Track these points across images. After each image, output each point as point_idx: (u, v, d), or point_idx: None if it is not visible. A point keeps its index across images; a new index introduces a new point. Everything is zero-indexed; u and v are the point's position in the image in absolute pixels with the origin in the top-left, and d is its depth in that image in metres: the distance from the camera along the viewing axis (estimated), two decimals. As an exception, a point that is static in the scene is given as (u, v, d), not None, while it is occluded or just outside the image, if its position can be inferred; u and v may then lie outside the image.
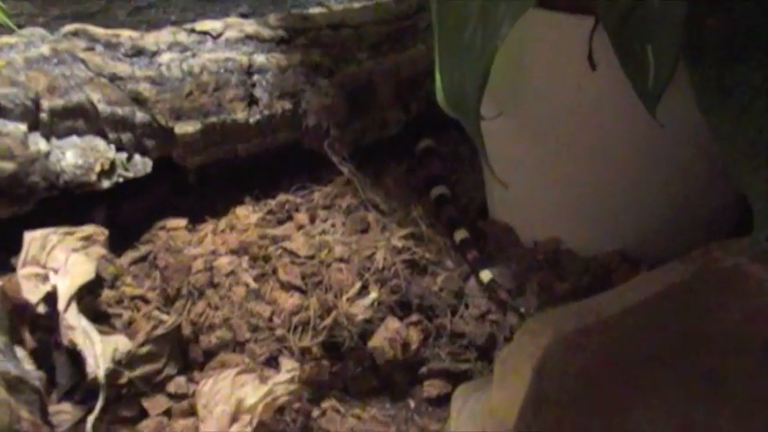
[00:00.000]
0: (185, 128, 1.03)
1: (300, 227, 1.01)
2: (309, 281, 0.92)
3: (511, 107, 0.88)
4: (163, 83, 1.04)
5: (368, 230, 0.99)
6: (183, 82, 1.04)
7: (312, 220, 1.02)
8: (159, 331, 0.91)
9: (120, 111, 1.03)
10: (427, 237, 0.98)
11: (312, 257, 0.95)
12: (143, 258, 1.02)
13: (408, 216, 1.00)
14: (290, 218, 1.04)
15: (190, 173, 1.09)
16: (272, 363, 0.90)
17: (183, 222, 1.06)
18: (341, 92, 1.08)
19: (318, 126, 1.08)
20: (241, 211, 1.06)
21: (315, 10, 1.20)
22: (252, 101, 1.06)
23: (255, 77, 1.06)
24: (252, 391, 0.85)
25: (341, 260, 0.94)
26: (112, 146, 1.03)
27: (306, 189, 1.07)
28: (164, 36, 1.08)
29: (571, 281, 0.92)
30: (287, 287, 0.93)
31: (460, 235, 1.00)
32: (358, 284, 0.91)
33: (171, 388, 0.91)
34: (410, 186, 1.09)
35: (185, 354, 0.93)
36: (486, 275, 0.95)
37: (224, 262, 0.97)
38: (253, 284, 0.94)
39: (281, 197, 1.06)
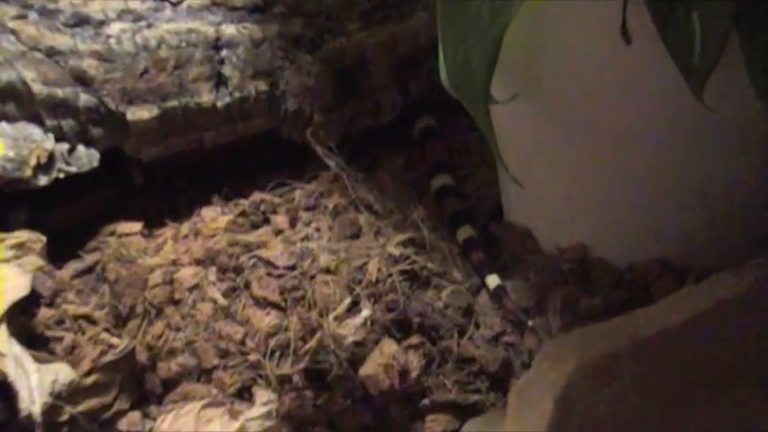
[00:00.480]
0: (140, 113, 1.06)
1: (278, 232, 1.04)
2: (289, 296, 0.95)
3: (528, 89, 0.90)
4: (112, 59, 1.07)
5: (359, 235, 1.02)
6: (137, 58, 1.07)
7: (292, 224, 1.05)
8: (108, 358, 0.94)
9: (59, 92, 1.05)
10: (430, 243, 1.00)
11: (292, 268, 0.97)
12: (89, 270, 1.05)
13: (407, 218, 1.03)
14: (266, 221, 1.07)
15: (135, 173, 1.12)
16: (245, 394, 0.93)
17: (137, 226, 1.08)
18: (326, 70, 1.11)
19: (299, 111, 1.11)
20: (207, 212, 1.09)
21: (295, -29, 1.23)
22: (220, 81, 1.09)
23: (224, 53, 1.09)
24: (220, 429, 0.87)
25: (327, 271, 0.96)
26: (51, 135, 1.06)
27: (285, 187, 1.10)
28: (113, 2, 1.10)
29: (602, 295, 0.95)
30: (262, 304, 0.96)
31: (464, 233, 1.03)
32: (347, 300, 0.94)
33: (123, 425, 0.93)
34: (409, 182, 1.12)
35: (140, 384, 0.96)
36: (492, 281, 0.98)
37: (187, 274, 1.00)
38: (221, 301, 0.97)
39: (256, 196, 1.09)
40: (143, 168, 1.11)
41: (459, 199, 1.08)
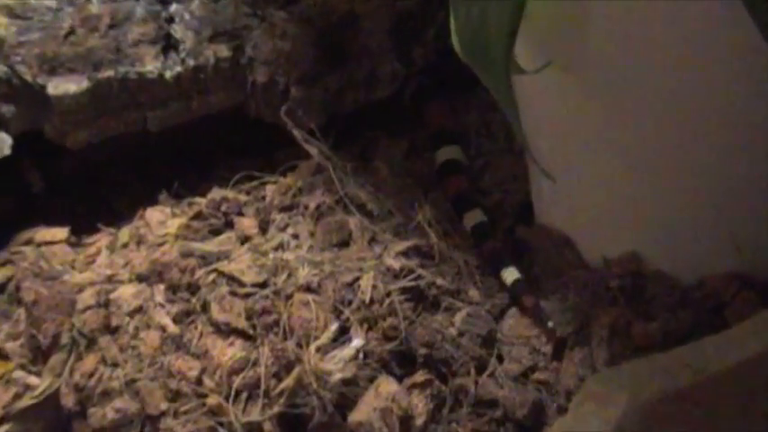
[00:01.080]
0: (64, 86, 1.08)
1: (245, 239, 1.06)
2: (259, 321, 0.96)
3: (565, 55, 0.91)
4: (27, 15, 1.09)
5: (348, 243, 1.04)
6: (60, 14, 1.09)
7: (263, 229, 1.07)
8: (25, 402, 0.95)
9: (-44, 59, 1.07)
10: (440, 252, 1.02)
11: (263, 285, 0.99)
12: (0, 289, 1.06)
13: (411, 221, 1.05)
14: (228, 225, 1.08)
15: (33, 177, 1.14)
16: (202, 448, 0.94)
17: (61, 233, 1.10)
18: (306, 30, 1.12)
19: (272, 83, 1.12)
20: (153, 214, 1.10)
21: None
22: (168, 44, 1.11)
23: (173, 8, 1.11)
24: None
25: (307, 289, 0.98)
26: (-55, 114, 1.08)
27: (253, 180, 1.11)
28: (28, -60, 1.12)
29: (661, 320, 0.96)
30: (225, 331, 0.97)
31: (473, 218, 1.05)
32: (333, 326, 0.95)
33: (45, 488, 0.95)
34: (414, 175, 1.14)
35: (67, 435, 0.97)
36: (510, 274, 1.00)
37: (127, 294, 1.01)
38: (172, 328, 0.99)
39: (216, 193, 1.10)
40: (54, 167, 1.14)
41: (466, 177, 1.10)
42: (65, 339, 1.00)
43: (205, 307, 0.99)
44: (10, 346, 1.01)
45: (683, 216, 0.98)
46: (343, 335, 0.96)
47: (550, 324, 0.97)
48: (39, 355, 1.00)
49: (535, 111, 0.89)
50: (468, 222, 1.06)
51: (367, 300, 0.97)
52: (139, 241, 1.09)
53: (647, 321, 0.96)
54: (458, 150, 1.13)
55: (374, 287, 0.98)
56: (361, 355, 0.94)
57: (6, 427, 0.95)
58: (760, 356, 0.81)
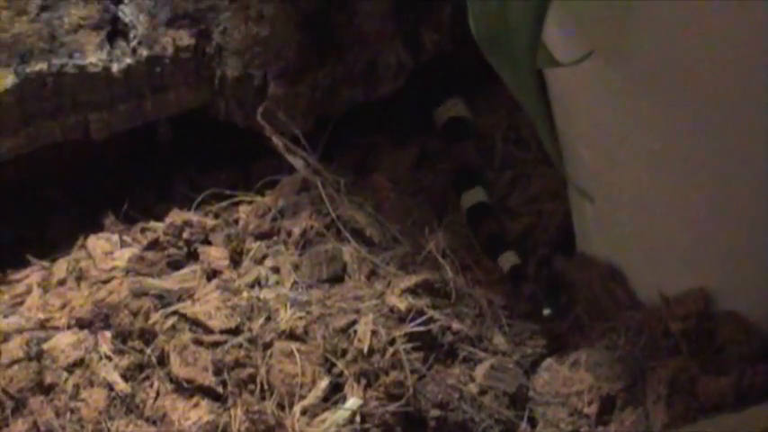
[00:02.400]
0: (-13, 83, 1.10)
1: (213, 273, 1.08)
2: (230, 377, 0.98)
3: (609, 45, 0.92)
4: (-61, -6, 1.11)
5: (342, 279, 1.06)
6: (-21, -7, 1.11)
7: (236, 261, 1.09)
8: (-61, 479, 0.98)
9: None
10: (456, 290, 1.04)
11: (235, 332, 1.01)
12: None
13: (420, 250, 1.07)
14: (192, 256, 1.10)
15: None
16: None
17: (-18, 267, 1.12)
18: (288, 12, 1.14)
19: (246, 78, 1.15)
20: (98, 243, 1.12)
21: None
22: (115, 30, 1.13)
23: (122, -16, 1.14)
24: None
25: (291, 336, 1.00)
26: None
27: (224, 200, 1.14)
28: None
29: (734, 373, 0.97)
30: (187, 390, 0.99)
31: (509, 260, 1.07)
32: (323, 382, 0.97)
33: None
34: (424, 191, 1.16)
35: None
36: (508, 259, 1.03)
37: (65, 343, 1.03)
38: (121, 385, 1.00)
39: (176, 216, 1.12)
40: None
41: (496, 219, 1.13)
42: (-12, 400, 1.01)
43: (163, 359, 1.01)
44: None
45: (761, 245, 1.00)
46: (335, 393, 0.98)
47: (546, 311, 1.00)
48: (-46, 420, 1.02)
49: (575, 113, 0.90)
50: (505, 264, 1.08)
51: (365, 349, 0.99)
52: (80, 277, 1.11)
53: (716, 375, 0.97)
54: (482, 192, 1.15)
55: (374, 333, 0.99)
56: (357, 419, 0.96)
57: None
58: None
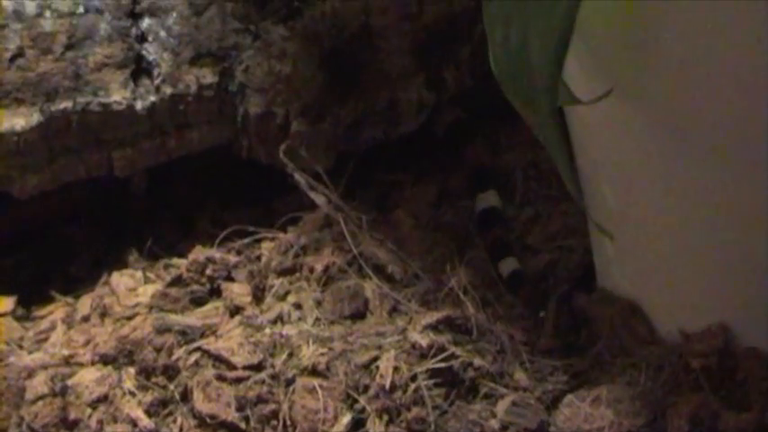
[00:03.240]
0: (10, 121, 1.10)
1: (236, 309, 1.08)
2: (253, 413, 0.98)
3: (634, 83, 0.93)
4: (-39, 32, 1.12)
5: (364, 315, 1.07)
6: (6, 33, 1.12)
7: (258, 297, 1.09)
8: None
9: None
10: (478, 326, 1.04)
11: (258, 368, 1.01)
12: (-75, 374, 1.09)
13: (442, 287, 1.07)
14: (215, 292, 1.11)
15: None
16: None
17: (7, 303, 1.13)
18: (310, 49, 1.15)
19: (268, 116, 1.16)
20: (121, 280, 1.13)
21: None
22: (139, 69, 1.14)
23: (146, 23, 1.14)
24: None
25: (313, 372, 1.00)
26: None
27: (246, 237, 1.14)
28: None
29: (756, 409, 0.97)
30: (210, 425, 0.99)
31: (508, 266, 1.09)
32: (346, 418, 0.97)
33: None
34: (445, 228, 1.16)
35: None
36: (509, 264, 1.05)
37: (89, 379, 1.03)
38: (145, 421, 1.00)
39: (199, 253, 1.13)
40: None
41: (505, 225, 1.14)
42: (13, 436, 1.02)
43: (186, 395, 1.02)
44: None
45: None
46: (357, 429, 0.98)
47: (542, 314, 1.01)
48: (-20, 457, 1.03)
49: (594, 150, 0.91)
50: (505, 269, 1.10)
51: (387, 385, 0.99)
52: (104, 313, 1.11)
53: (738, 411, 0.97)
54: (495, 196, 1.16)
55: (396, 369, 1.00)
56: (380, 455, 0.97)
57: None
58: None
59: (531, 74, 0.80)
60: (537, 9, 0.79)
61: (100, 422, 1.02)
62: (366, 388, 1.00)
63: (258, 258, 1.13)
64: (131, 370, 1.05)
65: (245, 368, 1.02)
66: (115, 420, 1.02)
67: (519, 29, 0.80)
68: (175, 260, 1.15)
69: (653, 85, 0.93)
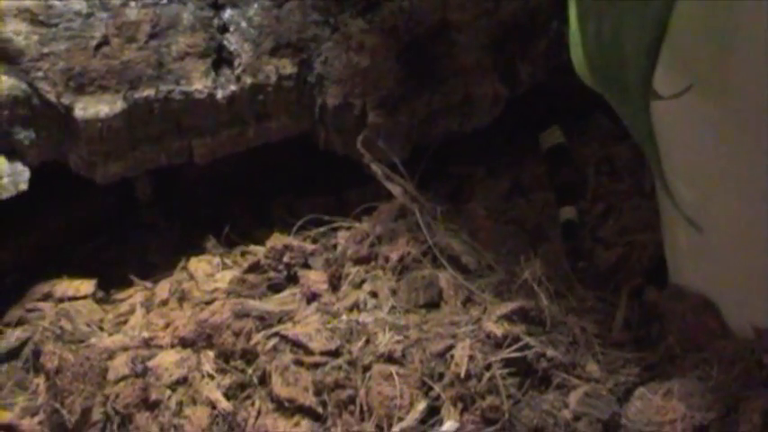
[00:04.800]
0: (95, 108, 1.12)
1: (313, 296, 1.10)
2: (330, 397, 0.99)
3: (710, 79, 0.94)
4: (52, 22, 1.13)
5: (439, 305, 1.07)
6: (91, 21, 1.13)
7: (335, 285, 1.10)
8: (46, 491, 1.00)
9: (-32, 74, 1.11)
10: (551, 317, 1.05)
11: (335, 354, 1.02)
12: (13, 354, 1.11)
13: (515, 278, 1.08)
14: (292, 279, 1.12)
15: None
16: None
17: (87, 286, 1.15)
18: (387, 43, 1.16)
19: (346, 107, 1.17)
20: (199, 265, 1.15)
21: None
22: (221, 59, 1.15)
23: (228, 14, 1.16)
24: None
25: (389, 359, 1.01)
26: (-48, 139, 1.12)
27: (322, 225, 1.15)
28: (53, -67, 1.15)
29: None
30: (288, 409, 1.00)
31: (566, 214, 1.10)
32: (421, 405, 0.98)
33: None
34: (518, 220, 1.17)
35: None
36: (567, 213, 1.07)
37: (168, 361, 1.05)
38: (224, 404, 1.02)
39: (276, 240, 1.14)
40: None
41: (574, 167, 1.16)
42: (96, 416, 1.03)
43: (264, 379, 1.03)
44: (27, 423, 1.05)
45: None
46: (432, 416, 0.99)
47: (581, 264, 1.02)
48: (63, 435, 1.04)
49: (673, 146, 0.91)
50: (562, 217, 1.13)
51: (462, 373, 1.00)
52: (182, 298, 1.13)
53: None
54: (559, 132, 1.20)
55: (471, 358, 1.00)
56: (454, 441, 0.97)
57: None
58: None
59: (624, 67, 0.81)
60: (631, 4, 0.80)
61: (179, 404, 1.04)
62: (441, 376, 1.00)
63: (334, 247, 1.15)
64: (210, 353, 1.06)
65: (322, 354, 1.03)
66: (194, 402, 1.03)
67: (612, 23, 0.81)
68: (252, 247, 1.17)
69: (734, 80, 0.93)
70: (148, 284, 1.17)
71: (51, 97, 1.13)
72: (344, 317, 1.06)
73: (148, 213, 1.23)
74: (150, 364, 1.06)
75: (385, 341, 1.03)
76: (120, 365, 1.06)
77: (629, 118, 0.84)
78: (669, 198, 0.87)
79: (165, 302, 1.13)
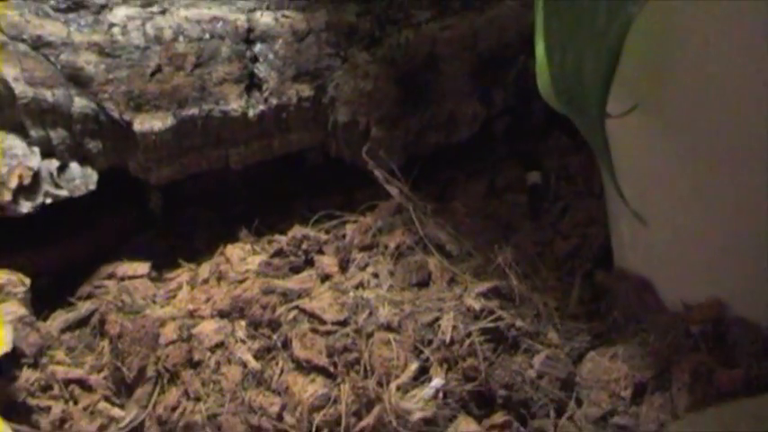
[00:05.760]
0: (150, 123, 1.11)
1: (326, 277, 1.09)
2: (340, 359, 0.98)
3: (651, 99, 0.93)
4: (115, 53, 1.12)
5: (428, 284, 1.06)
6: (147, 53, 1.12)
7: (344, 268, 1.09)
8: (110, 433, 0.99)
9: (48, 95, 1.11)
10: (519, 294, 1.04)
11: (344, 323, 1.01)
12: (83, 322, 1.10)
13: (490, 262, 1.07)
14: (309, 263, 1.11)
15: (152, 194, 1.18)
16: (283, 484, 0.97)
17: (143, 267, 1.14)
18: (387, 71, 1.15)
19: (353, 123, 1.16)
20: (234, 251, 1.14)
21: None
22: (252, 84, 1.14)
23: (258, 48, 1.14)
24: None
25: (388, 328, 1.00)
26: (36, 149, 1.11)
27: (333, 219, 1.14)
28: (117, -19, 1.15)
29: (744, 366, 0.96)
30: (306, 368, 0.99)
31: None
32: (414, 365, 0.97)
33: None
34: (492, 216, 1.16)
35: (150, 468, 1.00)
36: (532, 177, 1.06)
37: (208, 329, 1.04)
38: (253, 363, 1.01)
39: (296, 231, 1.13)
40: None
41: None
42: (150, 373, 1.02)
43: (286, 344, 1.02)
44: (94, 378, 1.04)
45: (764, 265, 0.98)
46: (423, 374, 0.98)
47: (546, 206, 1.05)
48: (123, 388, 1.03)
49: (620, 156, 0.90)
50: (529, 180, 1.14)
51: (447, 340, 0.99)
52: (220, 277, 1.12)
53: (729, 368, 0.97)
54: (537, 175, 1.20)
55: (454, 327, 0.99)
56: (440, 395, 0.96)
57: (92, 458, 0.98)
58: None
59: (584, 91, 0.80)
60: (589, 37, 0.79)
61: (217, 363, 1.03)
62: (430, 342, 0.99)
63: (343, 237, 1.13)
64: (242, 323, 1.05)
65: (333, 323, 1.02)
66: (229, 362, 1.03)
67: (574, 55, 0.81)
68: (277, 236, 1.15)
69: (668, 102, 0.94)
70: (193, 266, 1.16)
71: (115, 114, 1.12)
72: (351, 293, 1.05)
73: (194, 211, 1.23)
74: (194, 331, 1.05)
75: (384, 313, 1.02)
76: (169, 332, 1.05)
77: (587, 133, 0.83)
78: (618, 196, 0.86)
79: (206, 281, 1.12)
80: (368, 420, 0.95)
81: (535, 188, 1.20)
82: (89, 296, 1.13)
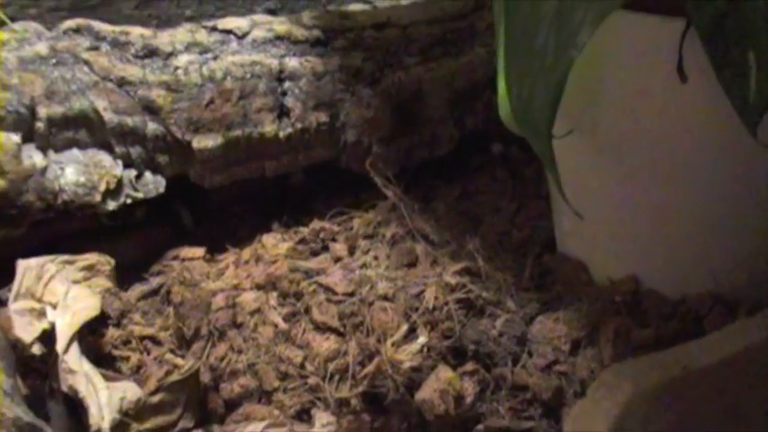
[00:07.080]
0: (205, 142, 1.09)
1: (338, 259, 1.06)
2: (348, 322, 0.97)
3: (585, 124, 0.92)
4: (179, 89, 1.10)
5: (416, 264, 1.04)
6: (203, 89, 1.10)
7: (351, 252, 1.07)
8: (173, 377, 0.97)
9: (129, 121, 1.09)
10: (485, 273, 1.02)
11: (351, 295, 0.99)
12: (154, 292, 1.08)
13: (463, 248, 1.05)
14: (325, 248, 1.09)
15: (182, 211, 1.16)
16: (304, 416, 0.95)
17: (199, 251, 1.12)
18: (385, 103, 1.14)
19: (359, 142, 1.14)
20: (268, 239, 1.11)
21: (356, 7, 1.26)
22: (282, 112, 1.12)
23: (287, 85, 1.12)
24: (281, 449, 0.89)
25: (384, 298, 0.98)
26: (119, 161, 1.09)
27: (344, 215, 1.12)
28: (180, 35, 1.14)
29: (654, 327, 0.96)
30: (322, 329, 0.98)
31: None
32: (404, 327, 0.95)
33: (186, 443, 0.96)
34: (465, 213, 1.14)
35: (203, 404, 0.98)
36: (496, 148, 1.08)
37: (248, 298, 1.02)
38: (282, 325, 0.99)
39: (315, 224, 1.11)
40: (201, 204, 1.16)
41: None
42: (203, 331, 1.01)
43: (307, 310, 1.00)
44: (162, 335, 1.03)
45: (670, 248, 0.98)
46: (411, 334, 0.96)
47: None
48: (183, 343, 1.02)
49: (562, 166, 0.88)
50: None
51: (430, 307, 0.97)
52: (258, 259, 1.09)
53: (643, 328, 0.96)
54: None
55: (435, 298, 0.98)
56: (425, 350, 0.95)
57: (160, 395, 0.96)
58: (733, 357, 0.81)
59: (535, 116, 0.79)
60: (541, 74, 0.78)
61: (255, 324, 1.01)
62: (417, 309, 0.97)
63: (351, 228, 1.11)
64: (274, 294, 1.03)
65: (343, 294, 1.00)
66: (264, 324, 1.01)
67: (528, 87, 0.79)
68: (301, 228, 1.13)
69: (598, 124, 0.93)
70: (237, 251, 1.13)
71: (178, 135, 1.10)
72: (357, 272, 1.03)
73: (238, 208, 1.20)
74: (237, 300, 1.03)
75: (382, 287, 1.00)
76: (219, 300, 1.03)
77: (539, 149, 0.82)
78: (562, 197, 0.84)
79: (247, 262, 1.10)
80: (369, 368, 0.93)
81: (499, 155, 1.22)
82: (159, 273, 1.11)
